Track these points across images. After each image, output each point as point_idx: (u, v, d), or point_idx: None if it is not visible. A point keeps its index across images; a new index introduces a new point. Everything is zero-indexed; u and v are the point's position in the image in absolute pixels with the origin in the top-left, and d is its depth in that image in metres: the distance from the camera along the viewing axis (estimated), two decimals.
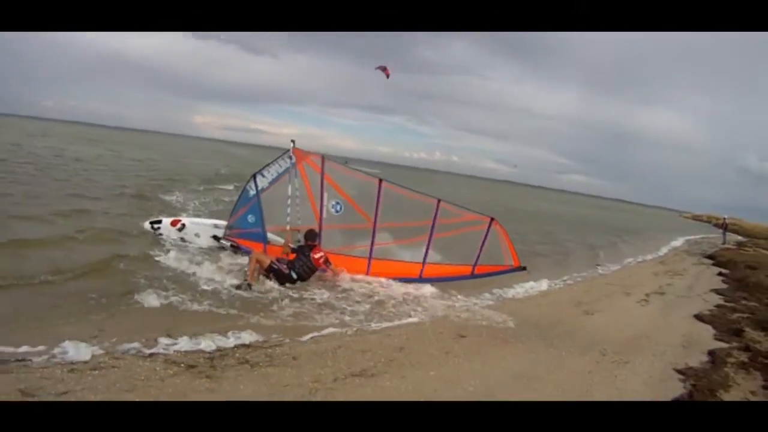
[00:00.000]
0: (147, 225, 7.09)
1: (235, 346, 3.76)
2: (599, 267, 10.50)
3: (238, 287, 5.18)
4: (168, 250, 6.14)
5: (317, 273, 5.86)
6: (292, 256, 5.77)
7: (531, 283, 7.33)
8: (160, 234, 6.87)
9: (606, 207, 65.95)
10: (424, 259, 6.14)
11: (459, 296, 6.11)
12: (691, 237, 26.82)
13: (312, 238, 5.86)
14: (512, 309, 5.89)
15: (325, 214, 5.91)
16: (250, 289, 5.19)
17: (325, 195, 5.86)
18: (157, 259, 5.80)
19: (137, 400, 2.74)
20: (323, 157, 5.99)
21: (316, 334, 4.30)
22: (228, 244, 6.38)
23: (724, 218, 28.77)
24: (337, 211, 5.94)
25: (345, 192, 5.96)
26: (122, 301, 4.44)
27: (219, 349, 3.67)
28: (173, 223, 6.99)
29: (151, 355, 3.43)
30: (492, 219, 6.11)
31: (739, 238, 27.54)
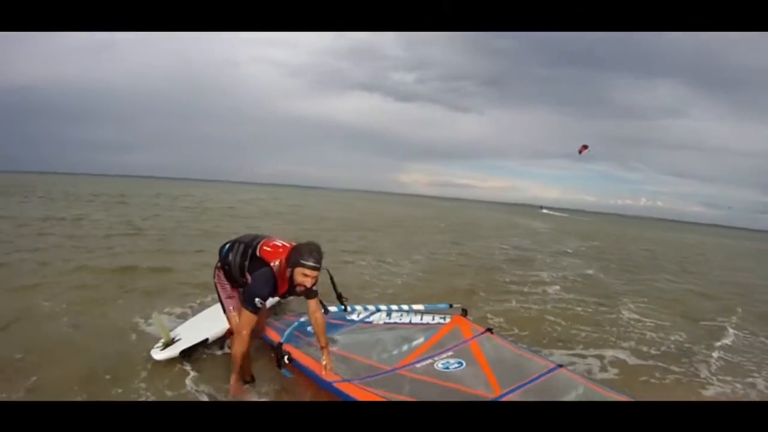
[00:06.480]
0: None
1: None
2: None
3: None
4: None
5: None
6: None
7: None
8: None
9: None
10: None
11: None
12: None
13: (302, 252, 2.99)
14: None
15: (419, 365, 3.82)
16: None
17: (449, 353, 4.00)
18: None
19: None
20: (489, 330, 4.25)
21: None
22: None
23: None
24: (446, 368, 3.84)
25: (486, 361, 3.85)
26: None
27: None
28: None
29: None
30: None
31: None
